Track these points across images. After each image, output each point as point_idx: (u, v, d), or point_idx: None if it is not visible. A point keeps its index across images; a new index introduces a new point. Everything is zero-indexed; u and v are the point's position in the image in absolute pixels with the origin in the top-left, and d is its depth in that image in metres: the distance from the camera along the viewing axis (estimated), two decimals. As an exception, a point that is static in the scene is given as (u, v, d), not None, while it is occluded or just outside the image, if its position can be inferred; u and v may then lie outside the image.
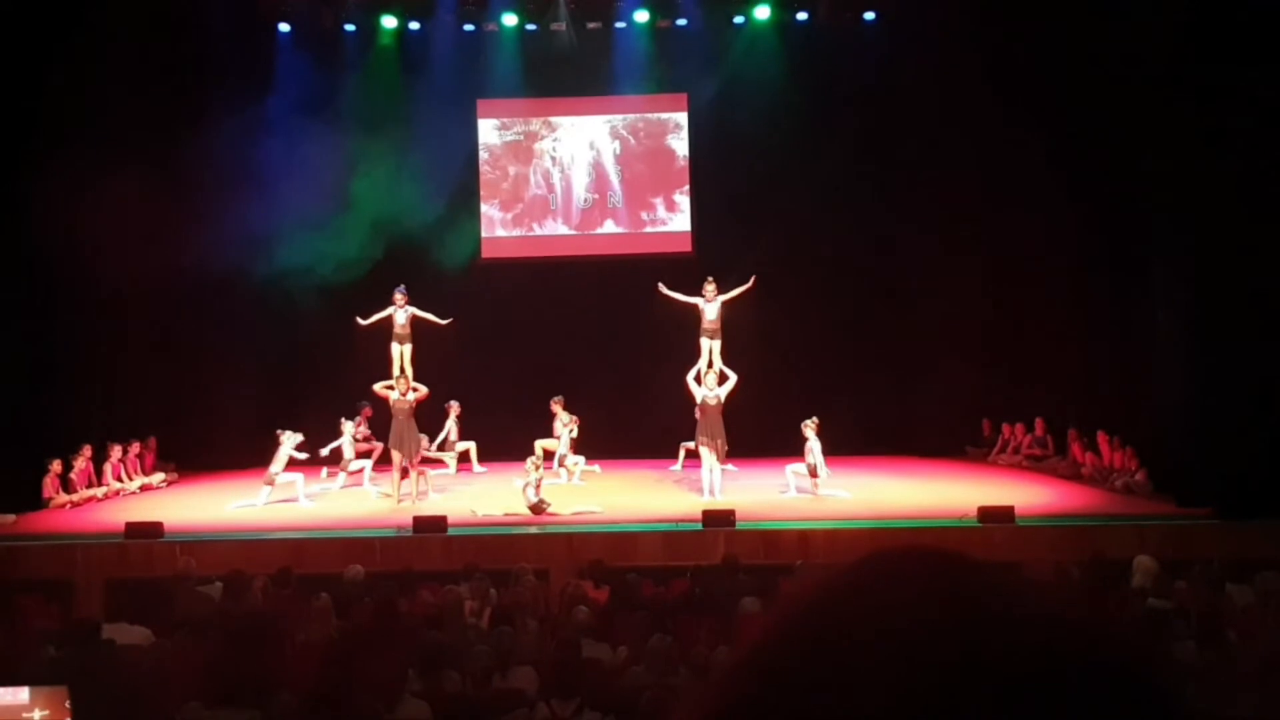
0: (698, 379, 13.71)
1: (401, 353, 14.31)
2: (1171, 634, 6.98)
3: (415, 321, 14.47)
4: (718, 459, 13.43)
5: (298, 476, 13.72)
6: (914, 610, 0.74)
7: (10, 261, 13.77)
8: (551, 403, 15.47)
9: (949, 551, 0.81)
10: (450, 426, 16.05)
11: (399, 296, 14.40)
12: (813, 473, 13.41)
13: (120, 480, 14.68)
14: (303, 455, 13.85)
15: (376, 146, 16.63)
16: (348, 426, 14.96)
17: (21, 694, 5.25)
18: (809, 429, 13.43)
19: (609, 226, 18.18)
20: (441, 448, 15.96)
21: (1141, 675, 0.74)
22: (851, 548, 11.33)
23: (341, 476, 14.83)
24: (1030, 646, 0.73)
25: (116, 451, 14.76)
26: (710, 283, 14.07)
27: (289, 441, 13.67)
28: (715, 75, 17.39)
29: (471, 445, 16.12)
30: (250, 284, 16.15)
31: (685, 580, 9.53)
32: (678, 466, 15.38)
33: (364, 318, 14.59)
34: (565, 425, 15.12)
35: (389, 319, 14.38)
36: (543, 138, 18.23)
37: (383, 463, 14.63)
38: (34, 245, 14.04)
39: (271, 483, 13.56)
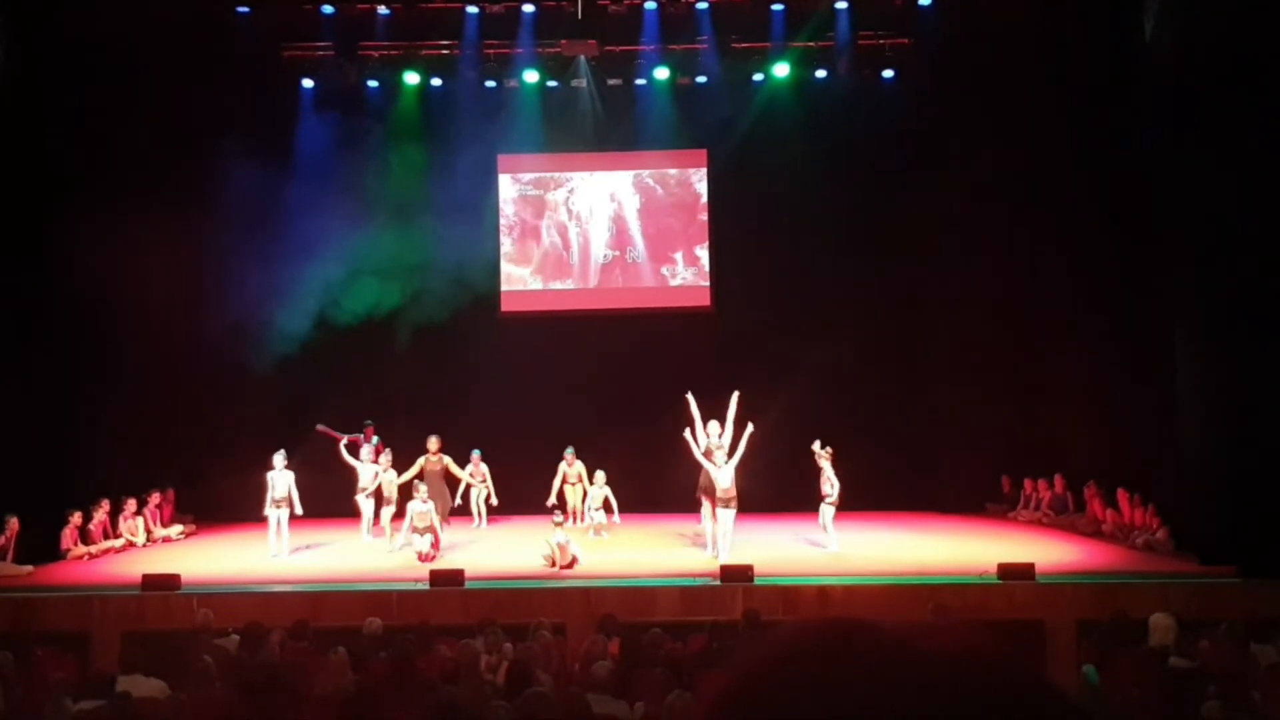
0: (706, 430, 13.37)
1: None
2: (1196, 694, 6.90)
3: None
4: (719, 512, 13.07)
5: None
6: (836, 678, 0.84)
7: (32, 315, 13.88)
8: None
9: (858, 621, 0.91)
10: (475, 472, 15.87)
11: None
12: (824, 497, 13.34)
13: (134, 534, 14.61)
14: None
15: (397, 202, 16.77)
16: (365, 450, 14.85)
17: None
18: (823, 459, 13.33)
19: (628, 281, 18.24)
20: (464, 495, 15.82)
21: (1040, 689, 0.85)
22: (870, 604, 11.28)
23: (386, 536, 14.81)
24: (939, 686, 0.82)
25: (131, 504, 14.74)
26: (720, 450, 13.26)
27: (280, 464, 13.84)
28: (735, 131, 17.52)
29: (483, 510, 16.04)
30: (269, 337, 16.21)
31: (703, 636, 9.46)
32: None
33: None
34: (597, 483, 15.14)
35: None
36: (562, 191, 18.34)
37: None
38: (55, 299, 14.19)
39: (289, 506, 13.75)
